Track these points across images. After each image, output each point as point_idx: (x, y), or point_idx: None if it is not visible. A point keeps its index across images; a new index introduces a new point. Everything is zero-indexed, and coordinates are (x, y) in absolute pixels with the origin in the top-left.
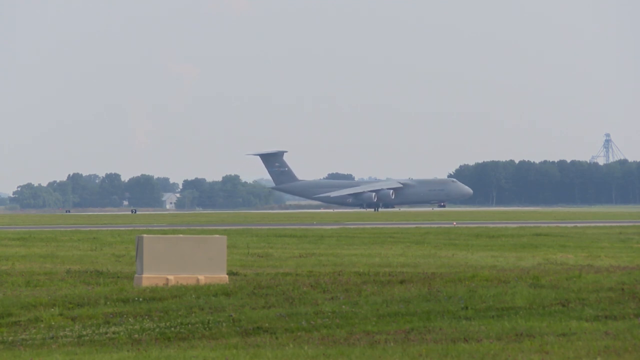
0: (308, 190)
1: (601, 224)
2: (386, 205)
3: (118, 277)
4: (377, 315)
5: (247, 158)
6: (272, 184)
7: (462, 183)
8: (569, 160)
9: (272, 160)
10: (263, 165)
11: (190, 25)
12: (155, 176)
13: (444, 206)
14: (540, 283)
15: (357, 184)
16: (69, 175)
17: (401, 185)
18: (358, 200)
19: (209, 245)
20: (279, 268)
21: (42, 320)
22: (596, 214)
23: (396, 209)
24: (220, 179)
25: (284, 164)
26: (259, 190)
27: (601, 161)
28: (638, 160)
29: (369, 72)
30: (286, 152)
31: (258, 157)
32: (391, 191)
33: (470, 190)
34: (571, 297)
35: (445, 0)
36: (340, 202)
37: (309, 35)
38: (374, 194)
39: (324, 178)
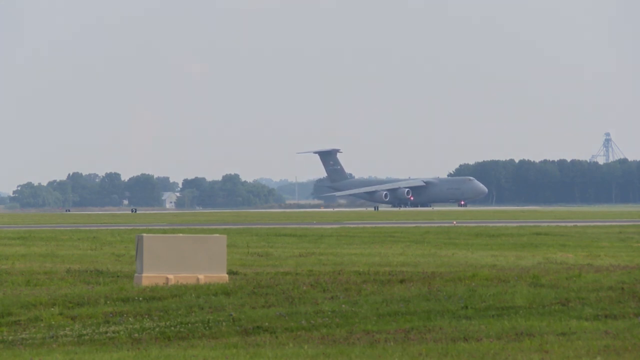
0: (357, 188)
1: (601, 223)
2: (414, 204)
3: (118, 276)
4: (377, 314)
5: (246, 157)
6: (273, 184)
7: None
8: (569, 160)
9: (328, 158)
10: (264, 165)
11: (192, 24)
12: (155, 175)
13: (464, 205)
14: (540, 282)
15: (390, 182)
16: (69, 174)
17: (424, 184)
18: (372, 197)
19: (209, 244)
20: (279, 267)
21: (42, 320)
22: (596, 213)
23: (421, 208)
24: (220, 178)
25: (337, 162)
26: (259, 189)
27: (601, 160)
28: (638, 160)
29: (368, 72)
30: (340, 150)
31: (314, 154)
32: (407, 190)
33: (485, 189)
34: (571, 296)
35: None
36: (377, 199)
37: (307, 37)
38: (385, 192)
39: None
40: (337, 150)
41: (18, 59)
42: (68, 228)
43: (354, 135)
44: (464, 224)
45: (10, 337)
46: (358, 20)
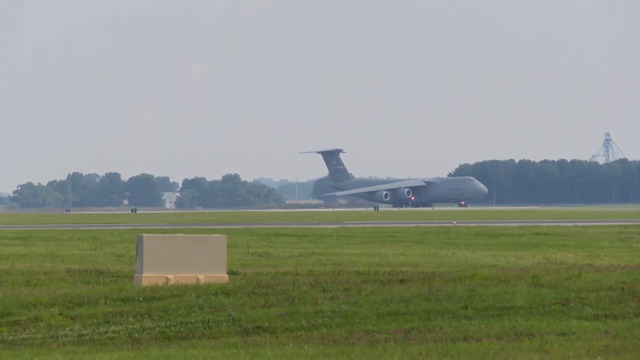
0: (358, 188)
1: (601, 223)
2: (414, 204)
3: (118, 276)
4: (377, 314)
5: (246, 157)
6: (273, 184)
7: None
8: (569, 160)
9: (330, 158)
10: (264, 165)
11: (192, 24)
12: (155, 175)
13: (464, 205)
14: (540, 282)
15: (390, 182)
16: (69, 174)
17: (424, 184)
18: (373, 197)
19: (209, 244)
20: (279, 267)
21: (42, 320)
22: (596, 213)
23: (421, 208)
24: (220, 178)
25: (340, 162)
26: (259, 189)
27: (601, 160)
28: (638, 160)
29: (368, 71)
30: (342, 150)
31: (316, 154)
32: (407, 190)
33: (485, 189)
34: (571, 296)
35: None
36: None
37: (308, 36)
38: (385, 192)
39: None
40: (340, 150)
41: (18, 58)
42: (68, 228)
43: (354, 135)
44: (464, 224)
45: (10, 337)
46: (358, 20)
